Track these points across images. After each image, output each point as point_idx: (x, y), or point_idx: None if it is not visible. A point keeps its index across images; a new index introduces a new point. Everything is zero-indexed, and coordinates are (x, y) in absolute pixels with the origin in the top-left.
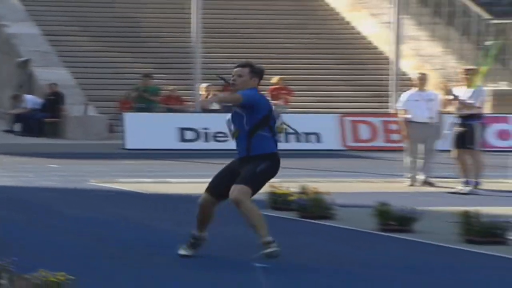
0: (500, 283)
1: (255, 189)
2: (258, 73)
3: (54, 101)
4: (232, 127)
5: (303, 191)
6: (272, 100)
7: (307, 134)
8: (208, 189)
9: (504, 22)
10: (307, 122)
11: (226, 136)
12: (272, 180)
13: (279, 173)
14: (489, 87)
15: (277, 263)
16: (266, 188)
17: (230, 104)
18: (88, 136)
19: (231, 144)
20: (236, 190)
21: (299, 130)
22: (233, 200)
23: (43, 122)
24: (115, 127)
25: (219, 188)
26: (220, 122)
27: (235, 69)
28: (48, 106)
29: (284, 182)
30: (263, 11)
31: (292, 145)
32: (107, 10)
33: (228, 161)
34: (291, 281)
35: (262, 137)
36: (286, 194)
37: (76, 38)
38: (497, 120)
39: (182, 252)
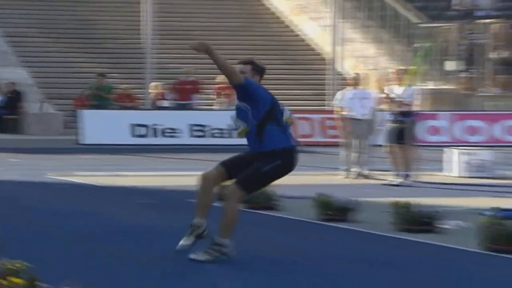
0: (443, 270)
1: (250, 191)
2: (259, 70)
3: (13, 99)
4: (238, 124)
5: None
6: (218, 97)
7: None
8: (222, 162)
9: (432, 25)
10: None
11: (176, 132)
12: None
13: None
14: (420, 86)
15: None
16: None
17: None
18: (46, 132)
19: (181, 140)
20: (231, 189)
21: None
22: (228, 199)
23: (2, 119)
24: (71, 124)
25: (234, 165)
26: (170, 118)
27: (238, 66)
28: (7, 104)
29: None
30: (211, 15)
31: (238, 140)
32: (64, 13)
33: (178, 155)
34: (245, 272)
35: (272, 131)
36: None
37: (34, 39)
38: (427, 117)
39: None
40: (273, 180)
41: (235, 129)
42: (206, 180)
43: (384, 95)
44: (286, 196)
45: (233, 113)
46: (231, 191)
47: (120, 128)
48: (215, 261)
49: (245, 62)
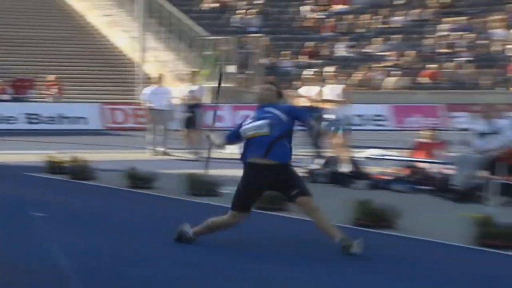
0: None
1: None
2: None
3: None
4: (262, 127)
5: (74, 159)
6: (47, 93)
7: (77, 118)
8: (241, 208)
9: (216, 38)
10: (76, 109)
11: (15, 119)
12: (50, 151)
13: (54, 145)
14: (208, 85)
15: (64, 214)
16: (43, 157)
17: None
18: None
19: (19, 125)
20: (307, 203)
21: (70, 114)
22: (307, 211)
23: None
24: None
25: (250, 204)
26: (9, 108)
27: (264, 86)
28: None
29: (60, 153)
30: (41, 26)
31: (66, 126)
32: None
33: (17, 138)
34: (70, 226)
35: (283, 144)
36: (60, 162)
37: None
38: (213, 108)
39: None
40: None
41: (258, 130)
42: (235, 224)
43: (185, 92)
44: (104, 169)
45: (264, 116)
46: (305, 204)
47: None
48: (355, 248)
49: (271, 83)
